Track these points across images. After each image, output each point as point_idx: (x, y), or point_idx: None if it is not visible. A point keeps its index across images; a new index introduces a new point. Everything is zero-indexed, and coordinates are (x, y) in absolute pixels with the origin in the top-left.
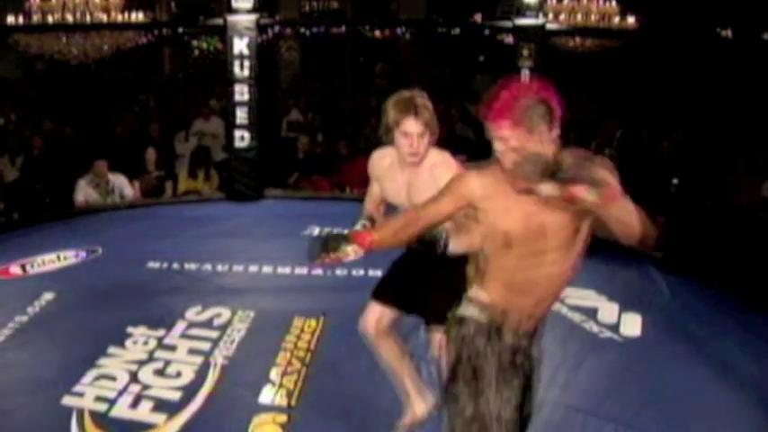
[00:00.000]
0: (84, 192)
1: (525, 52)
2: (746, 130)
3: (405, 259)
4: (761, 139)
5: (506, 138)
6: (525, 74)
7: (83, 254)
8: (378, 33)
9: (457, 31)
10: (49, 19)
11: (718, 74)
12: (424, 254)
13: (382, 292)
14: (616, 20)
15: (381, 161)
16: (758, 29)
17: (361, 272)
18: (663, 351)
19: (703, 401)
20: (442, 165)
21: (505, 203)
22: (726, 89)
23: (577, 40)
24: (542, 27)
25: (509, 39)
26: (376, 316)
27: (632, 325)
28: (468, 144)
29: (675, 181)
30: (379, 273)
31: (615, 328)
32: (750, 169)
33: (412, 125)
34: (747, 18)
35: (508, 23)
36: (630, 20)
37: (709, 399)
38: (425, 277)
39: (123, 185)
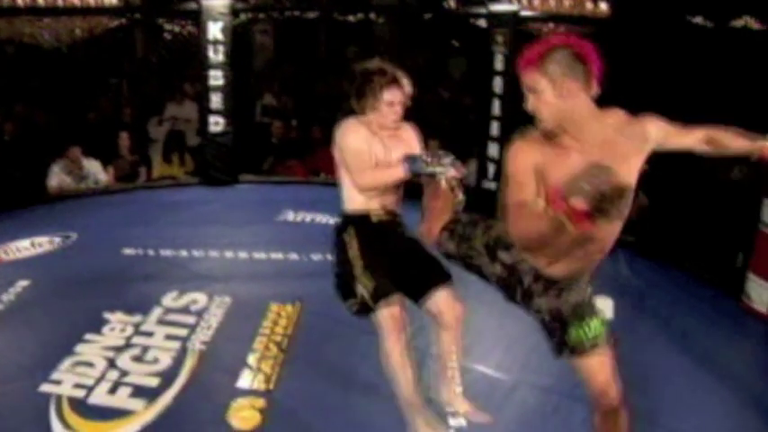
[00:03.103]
0: (58, 177)
1: (499, 38)
2: (718, 116)
3: (376, 247)
4: (732, 124)
5: (534, 88)
6: (499, 59)
7: (57, 240)
8: (351, 18)
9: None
10: (20, 2)
11: (689, 60)
12: (387, 232)
13: (388, 286)
14: (589, 6)
15: (360, 136)
16: (727, 16)
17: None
18: (635, 333)
19: (677, 381)
20: (408, 128)
21: (558, 166)
22: (697, 75)
23: (550, 25)
24: (516, 13)
25: (483, 22)
26: (396, 313)
27: (604, 309)
28: (442, 128)
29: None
30: None
31: None
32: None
33: (398, 94)
34: (717, 5)
35: (482, 9)
36: (603, 6)
37: (683, 379)
38: (406, 253)
39: (97, 171)
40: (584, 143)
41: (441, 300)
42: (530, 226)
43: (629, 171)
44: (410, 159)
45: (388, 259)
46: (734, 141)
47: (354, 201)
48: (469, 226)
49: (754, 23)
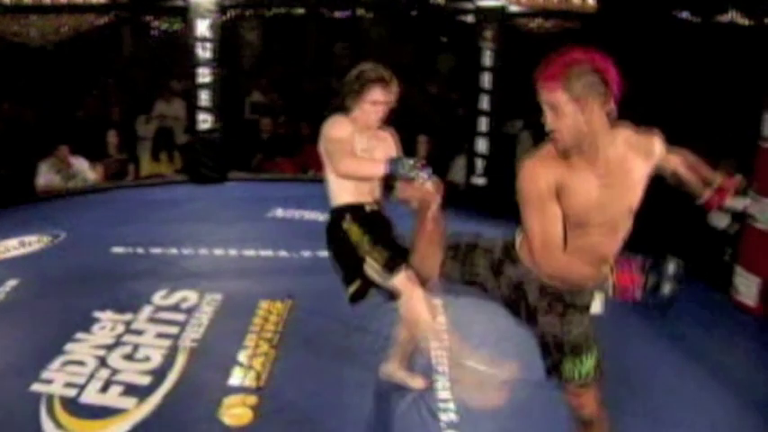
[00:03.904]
0: (46, 176)
1: (487, 34)
2: (704, 111)
3: (376, 228)
4: (718, 120)
5: (555, 104)
6: (487, 55)
7: (46, 239)
8: (339, 14)
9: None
10: (5, 0)
11: (675, 55)
12: (379, 219)
13: (401, 253)
14: (576, 1)
15: (344, 129)
16: (714, 11)
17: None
18: (624, 328)
19: (667, 375)
20: (389, 134)
21: (571, 183)
22: (684, 70)
23: (537, 20)
24: (503, 9)
25: (471, 18)
26: (411, 274)
27: (595, 303)
28: (430, 124)
29: None
30: None
31: None
32: (708, 149)
33: (383, 94)
34: (703, 1)
35: (470, 5)
36: (590, 1)
37: (672, 373)
38: (399, 236)
39: (85, 169)
40: (598, 163)
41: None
42: (561, 267)
43: (639, 186)
44: (393, 160)
45: (390, 236)
46: (691, 178)
47: (345, 194)
48: (467, 249)
49: (740, 18)
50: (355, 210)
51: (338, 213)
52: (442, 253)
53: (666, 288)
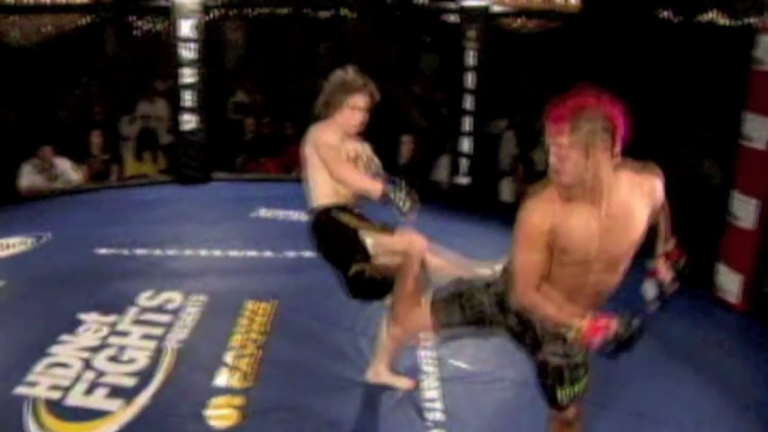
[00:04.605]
0: (29, 177)
1: (471, 34)
2: (688, 109)
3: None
4: (702, 117)
5: (561, 144)
6: (471, 54)
7: (30, 241)
8: (322, 14)
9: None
10: None
11: (659, 54)
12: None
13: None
14: (559, 1)
15: (335, 135)
16: (695, 11)
17: (312, 253)
18: None
19: (650, 372)
20: (367, 145)
21: (569, 226)
22: (667, 69)
23: (520, 20)
24: (487, 9)
25: (454, 18)
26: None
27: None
28: (414, 124)
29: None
30: None
31: None
32: (693, 147)
33: (362, 100)
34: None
35: (453, 5)
36: (573, 1)
37: (656, 369)
38: None
39: (69, 170)
40: (600, 206)
41: None
42: (530, 305)
43: (641, 225)
44: (392, 184)
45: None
46: (661, 234)
47: (334, 196)
48: (459, 294)
49: (720, 18)
50: (343, 208)
51: (325, 209)
52: (431, 307)
53: (629, 348)
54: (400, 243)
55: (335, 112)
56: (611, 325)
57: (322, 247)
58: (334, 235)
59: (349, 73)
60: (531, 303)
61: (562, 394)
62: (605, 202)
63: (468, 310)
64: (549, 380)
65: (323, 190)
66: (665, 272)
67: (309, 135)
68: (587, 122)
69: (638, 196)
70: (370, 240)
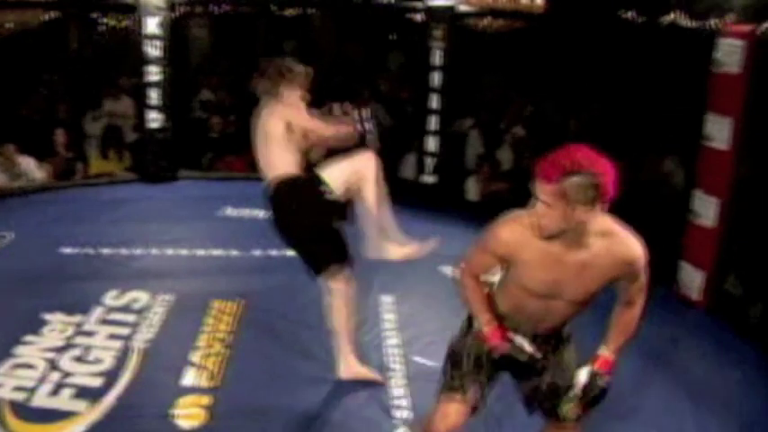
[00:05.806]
0: None
1: (437, 33)
2: (650, 110)
3: None
4: (662, 117)
5: (546, 200)
6: (437, 54)
7: None
8: (288, 12)
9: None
10: None
11: (623, 54)
12: None
13: None
14: (524, 1)
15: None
16: (657, 12)
17: (279, 252)
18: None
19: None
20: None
21: (530, 257)
22: (631, 69)
23: (486, 20)
24: (452, 9)
25: (421, 17)
26: None
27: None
28: (380, 122)
29: None
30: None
31: None
32: (655, 146)
33: (307, 84)
34: (649, 1)
35: (419, 4)
36: (538, 1)
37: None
38: None
39: (32, 168)
40: (568, 253)
41: None
42: (463, 288)
43: (594, 287)
44: (359, 118)
45: None
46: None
47: (295, 167)
48: (449, 355)
49: (682, 19)
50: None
51: (296, 177)
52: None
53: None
54: (354, 163)
55: (285, 92)
56: (503, 347)
57: (284, 212)
58: (307, 186)
59: (291, 61)
60: (464, 284)
61: (566, 409)
62: (575, 249)
63: (465, 360)
64: (543, 400)
65: (291, 158)
66: (585, 378)
67: (281, 111)
68: (576, 186)
69: (610, 262)
70: (325, 176)
